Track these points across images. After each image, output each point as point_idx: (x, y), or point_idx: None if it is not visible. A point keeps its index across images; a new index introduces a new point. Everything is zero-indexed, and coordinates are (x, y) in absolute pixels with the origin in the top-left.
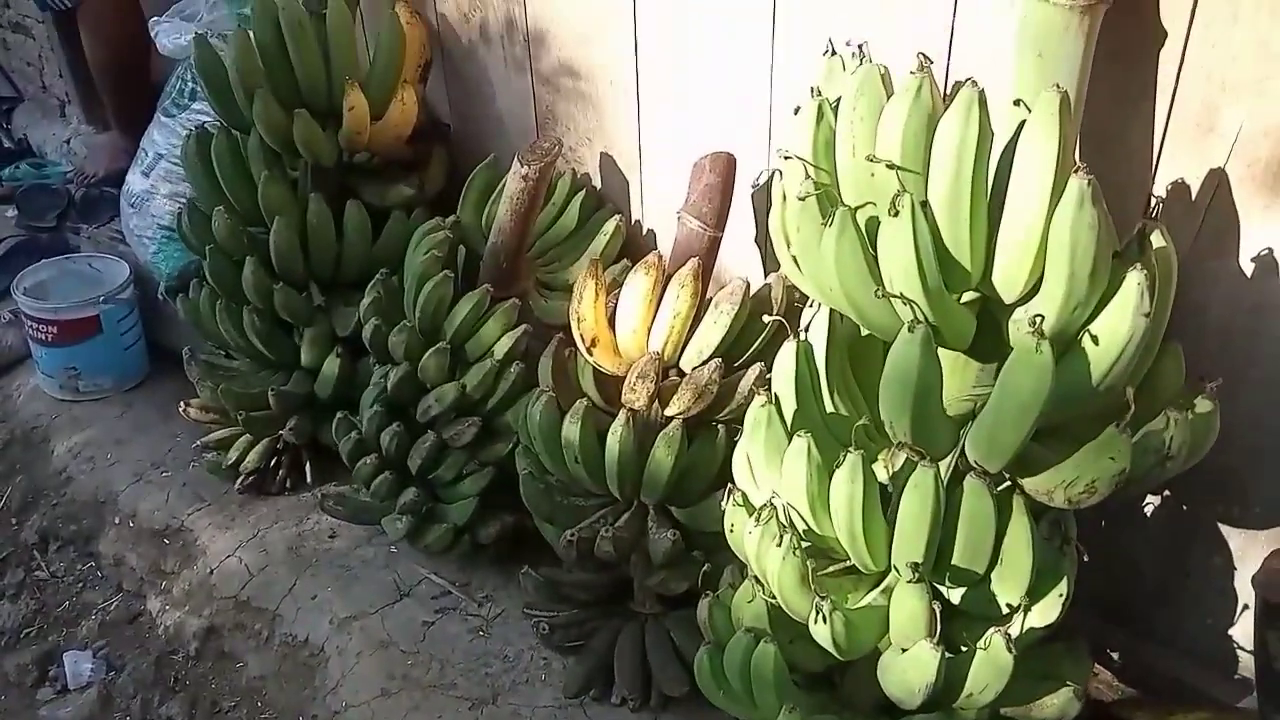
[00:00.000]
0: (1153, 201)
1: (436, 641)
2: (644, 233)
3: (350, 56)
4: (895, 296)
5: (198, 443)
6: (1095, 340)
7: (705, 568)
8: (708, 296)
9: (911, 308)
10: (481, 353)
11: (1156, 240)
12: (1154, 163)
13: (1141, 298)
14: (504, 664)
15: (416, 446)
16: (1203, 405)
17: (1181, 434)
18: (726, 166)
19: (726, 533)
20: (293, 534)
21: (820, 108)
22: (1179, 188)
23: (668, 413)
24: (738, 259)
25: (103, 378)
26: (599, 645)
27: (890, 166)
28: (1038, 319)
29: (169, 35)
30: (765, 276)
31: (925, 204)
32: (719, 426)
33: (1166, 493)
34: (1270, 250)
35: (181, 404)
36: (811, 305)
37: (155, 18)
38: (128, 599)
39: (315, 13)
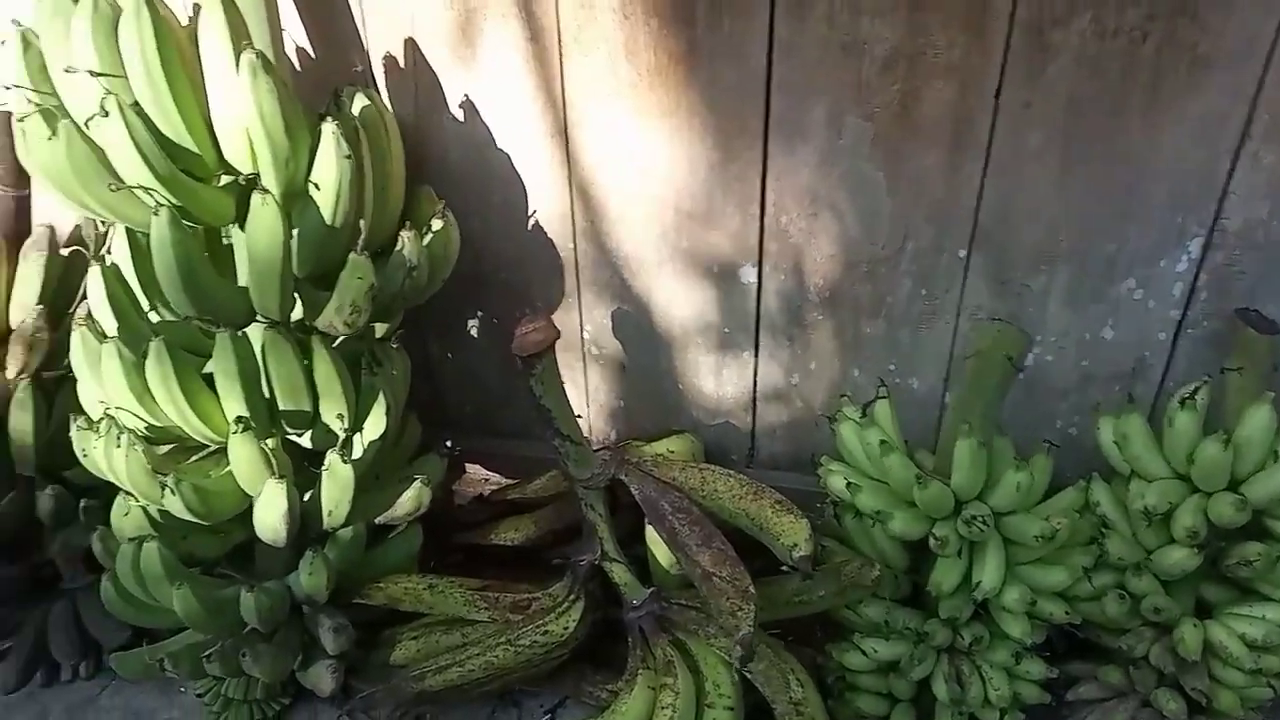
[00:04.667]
0: (361, 71)
1: None
2: None
3: None
4: (135, 188)
5: None
6: (318, 186)
7: (83, 504)
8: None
9: (152, 195)
10: None
11: (359, 100)
12: (364, 41)
13: (339, 143)
14: None
15: None
16: (436, 225)
17: (416, 248)
18: (7, 123)
19: (81, 458)
20: None
21: (24, 36)
22: (389, 58)
23: (9, 375)
24: (59, 211)
25: None
26: (29, 634)
27: (93, 74)
28: (255, 177)
29: None
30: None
31: (135, 103)
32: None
33: (480, 313)
34: (468, 96)
35: None
36: (113, 229)
37: None
38: None
39: None
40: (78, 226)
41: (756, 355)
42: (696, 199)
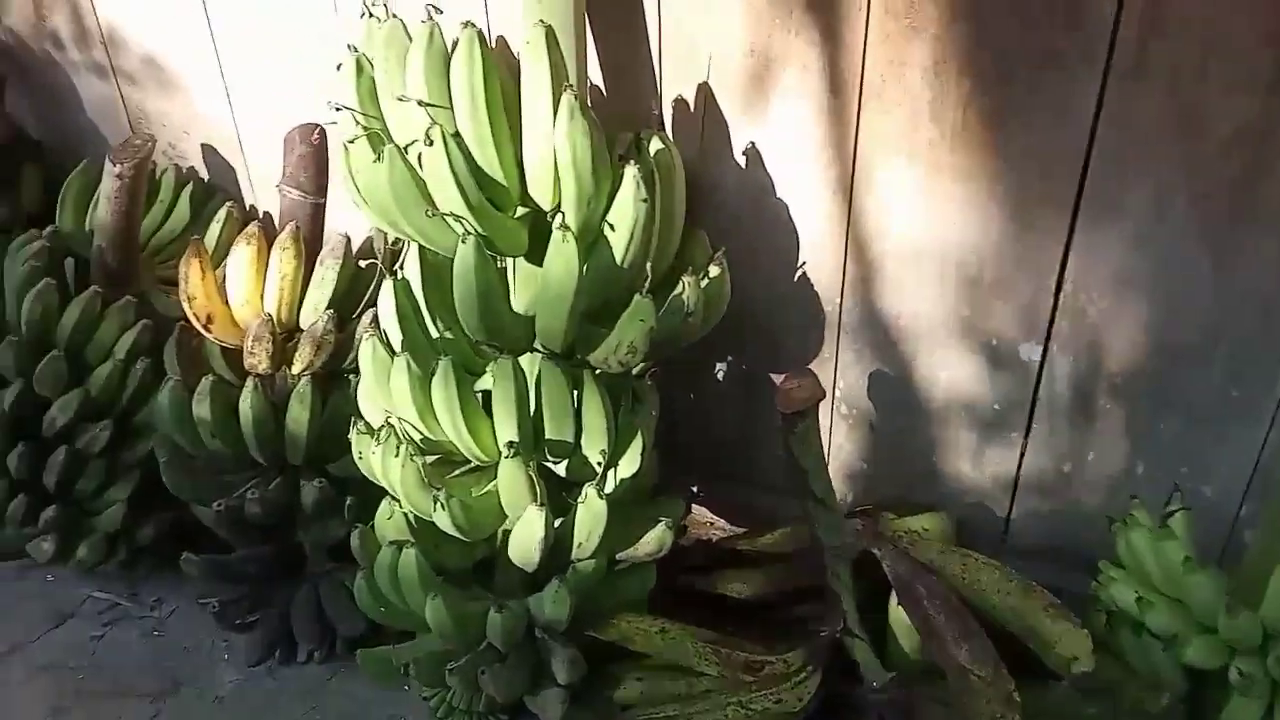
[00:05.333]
0: (657, 114)
1: (109, 652)
2: (260, 215)
3: None
4: (446, 215)
5: None
6: (612, 227)
7: (349, 501)
8: (319, 258)
9: (461, 223)
10: (103, 355)
11: (655, 144)
12: (658, 84)
13: (638, 187)
14: (183, 655)
15: (50, 462)
16: (714, 271)
17: (695, 294)
18: (315, 135)
19: (357, 460)
20: None
21: (359, 62)
22: (680, 102)
23: (294, 371)
24: (352, 219)
25: None
26: (276, 612)
27: (421, 104)
28: (560, 215)
29: None
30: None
31: (456, 134)
32: (350, 377)
33: (730, 358)
34: (754, 144)
35: None
36: (407, 246)
37: None
38: None
39: None
40: (369, 238)
41: (1027, 437)
42: (984, 267)
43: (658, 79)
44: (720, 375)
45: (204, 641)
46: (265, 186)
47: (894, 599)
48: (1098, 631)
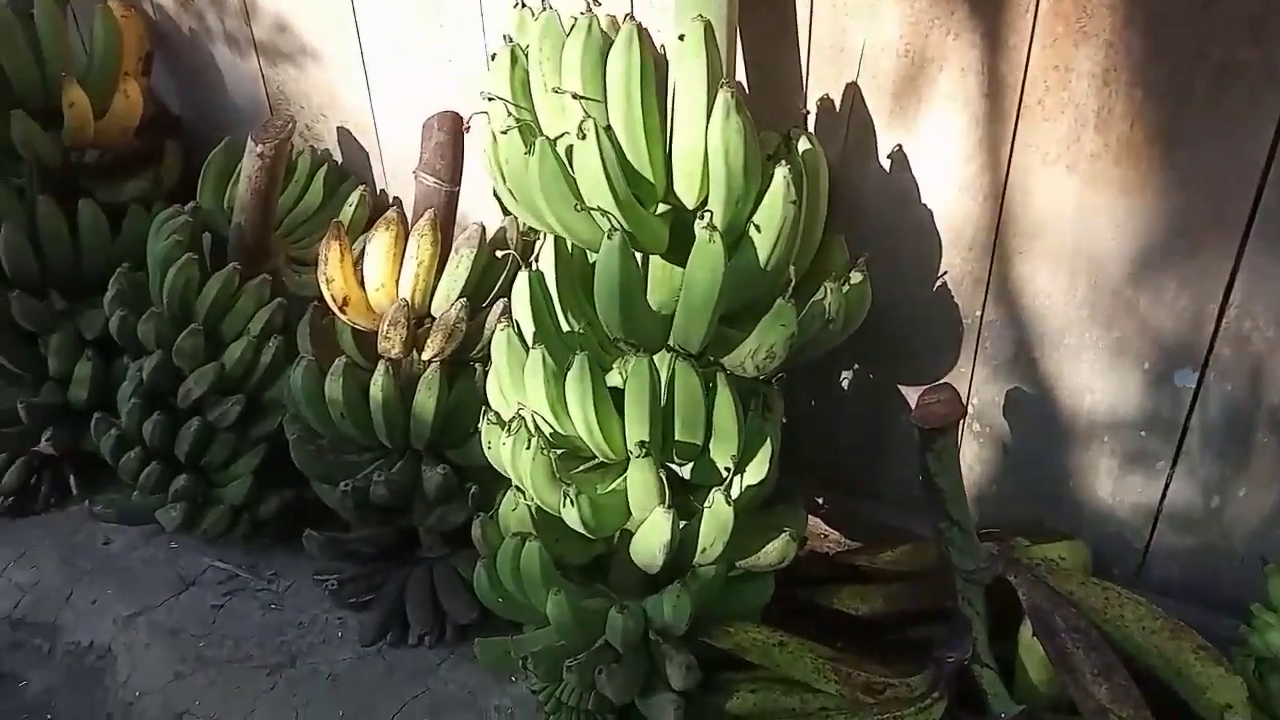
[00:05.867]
0: (804, 113)
1: (228, 621)
2: (390, 200)
3: (64, 54)
4: (593, 210)
5: None
6: (758, 229)
7: (472, 489)
8: (453, 247)
9: (608, 218)
10: (238, 331)
11: (803, 144)
12: (804, 82)
13: (788, 188)
14: (299, 630)
15: (182, 433)
16: (855, 277)
17: (837, 300)
18: (453, 123)
19: (485, 450)
20: (65, 546)
21: (513, 53)
22: (825, 101)
23: (424, 357)
24: (480, 209)
25: None
26: (390, 593)
27: (575, 97)
28: (708, 214)
29: None
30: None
31: (608, 128)
32: (476, 365)
33: (856, 366)
34: (900, 146)
35: None
36: (542, 238)
37: None
38: None
39: (22, 12)
40: (501, 228)
41: (1173, 467)
42: (1142, 286)
43: (804, 77)
44: (845, 383)
45: (319, 618)
46: (397, 172)
47: (1027, 628)
48: (1244, 678)
